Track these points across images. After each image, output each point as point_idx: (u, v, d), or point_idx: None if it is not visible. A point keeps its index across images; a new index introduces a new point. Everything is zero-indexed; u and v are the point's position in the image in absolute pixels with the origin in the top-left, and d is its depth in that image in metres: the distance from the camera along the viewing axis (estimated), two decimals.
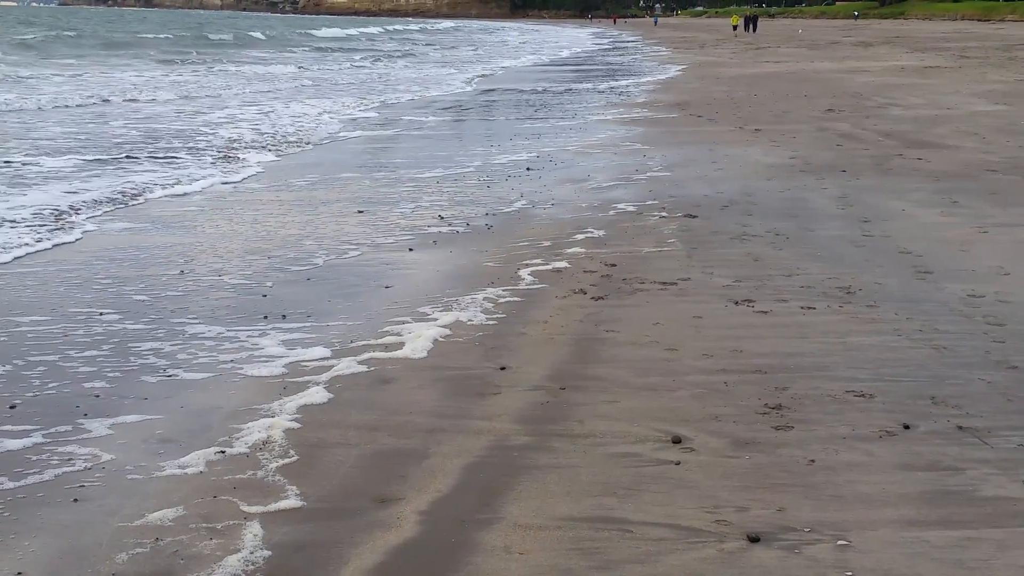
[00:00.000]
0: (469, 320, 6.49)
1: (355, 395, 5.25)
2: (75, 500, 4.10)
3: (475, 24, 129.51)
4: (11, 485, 4.23)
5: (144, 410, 5.06)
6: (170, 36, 53.94)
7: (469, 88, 28.26)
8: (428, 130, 17.85)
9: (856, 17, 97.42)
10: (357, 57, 45.10)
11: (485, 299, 6.95)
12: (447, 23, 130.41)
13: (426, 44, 62.80)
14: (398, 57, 46.09)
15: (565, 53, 51.56)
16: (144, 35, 51.76)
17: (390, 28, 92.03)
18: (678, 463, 4.36)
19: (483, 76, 33.51)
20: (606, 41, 69.29)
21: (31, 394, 5.25)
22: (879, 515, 3.88)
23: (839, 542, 3.68)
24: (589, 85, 28.35)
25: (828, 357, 5.66)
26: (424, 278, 7.63)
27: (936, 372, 5.39)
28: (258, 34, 66.98)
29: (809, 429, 4.68)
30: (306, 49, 51.79)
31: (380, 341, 6.09)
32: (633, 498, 4.04)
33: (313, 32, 75.00)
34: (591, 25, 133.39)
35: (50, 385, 5.39)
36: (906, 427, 4.68)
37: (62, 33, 50.20)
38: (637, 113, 20.06)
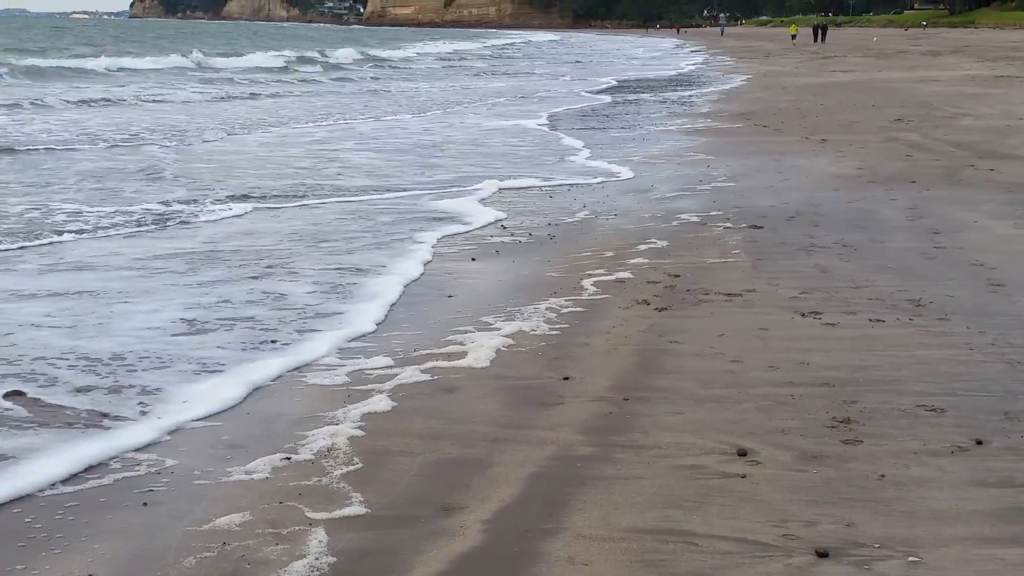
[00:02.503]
0: (532, 330, 6.48)
1: (419, 403, 5.27)
2: (144, 504, 4.16)
3: (573, 37, 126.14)
4: (81, 488, 4.31)
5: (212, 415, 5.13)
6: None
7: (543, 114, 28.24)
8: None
9: (924, 26, 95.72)
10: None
11: (548, 309, 6.94)
12: (548, 35, 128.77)
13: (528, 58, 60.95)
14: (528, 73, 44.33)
15: (687, 67, 46.85)
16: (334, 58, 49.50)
17: (497, 43, 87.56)
18: (744, 476, 4.30)
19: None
20: (691, 50, 68.34)
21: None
22: (951, 531, 3.80)
23: (910, 558, 3.60)
24: (648, 95, 28.26)
25: (898, 371, 5.56)
26: (487, 288, 7.64)
27: (1009, 387, 5.27)
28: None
29: (879, 443, 4.59)
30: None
31: (443, 350, 6.11)
32: (698, 511, 4.00)
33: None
34: (657, 34, 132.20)
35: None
36: (979, 442, 4.57)
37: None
38: (701, 123, 19.94)
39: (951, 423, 4.81)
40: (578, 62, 53.66)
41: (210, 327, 6.56)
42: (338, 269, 8.15)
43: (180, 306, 7.01)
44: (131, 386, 5.49)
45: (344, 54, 51.64)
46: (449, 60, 56.41)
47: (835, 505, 4.02)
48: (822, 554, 3.63)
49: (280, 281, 7.73)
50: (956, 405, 5.03)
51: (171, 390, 5.42)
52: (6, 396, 5.31)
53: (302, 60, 46.18)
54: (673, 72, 42.29)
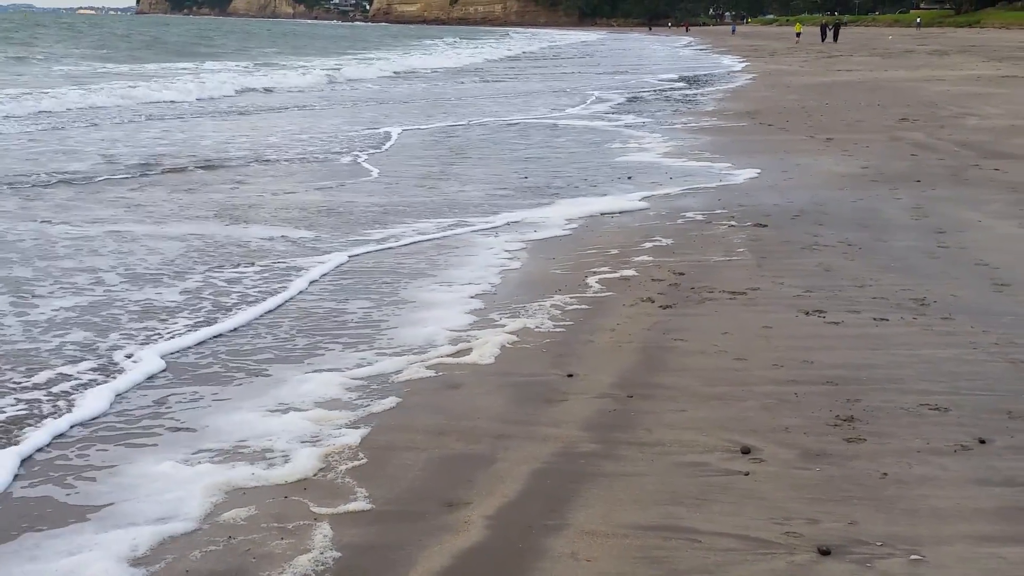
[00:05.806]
0: (537, 327, 6.50)
1: (423, 400, 5.29)
2: None
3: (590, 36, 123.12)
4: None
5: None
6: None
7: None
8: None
9: (918, 25, 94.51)
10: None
11: (552, 306, 6.95)
12: (584, 35, 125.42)
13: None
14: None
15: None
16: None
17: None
18: (747, 473, 4.32)
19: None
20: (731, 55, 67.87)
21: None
22: (953, 530, 3.81)
23: (912, 556, 3.62)
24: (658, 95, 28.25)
25: (901, 369, 5.57)
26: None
27: (1013, 386, 5.28)
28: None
29: (882, 442, 4.61)
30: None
31: (449, 347, 6.13)
32: (701, 508, 4.01)
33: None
34: (665, 32, 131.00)
35: None
36: (982, 441, 4.59)
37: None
38: (706, 122, 19.93)
39: (954, 422, 4.82)
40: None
41: None
42: None
43: None
44: None
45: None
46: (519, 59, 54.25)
47: (838, 503, 4.03)
48: (824, 552, 3.64)
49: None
50: (959, 404, 5.04)
51: None
52: None
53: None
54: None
